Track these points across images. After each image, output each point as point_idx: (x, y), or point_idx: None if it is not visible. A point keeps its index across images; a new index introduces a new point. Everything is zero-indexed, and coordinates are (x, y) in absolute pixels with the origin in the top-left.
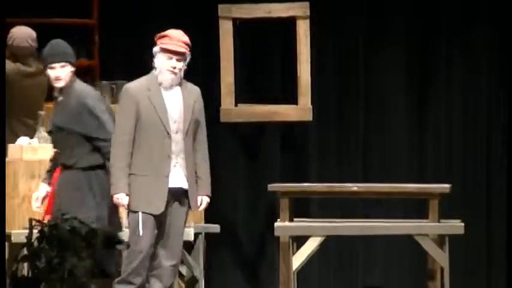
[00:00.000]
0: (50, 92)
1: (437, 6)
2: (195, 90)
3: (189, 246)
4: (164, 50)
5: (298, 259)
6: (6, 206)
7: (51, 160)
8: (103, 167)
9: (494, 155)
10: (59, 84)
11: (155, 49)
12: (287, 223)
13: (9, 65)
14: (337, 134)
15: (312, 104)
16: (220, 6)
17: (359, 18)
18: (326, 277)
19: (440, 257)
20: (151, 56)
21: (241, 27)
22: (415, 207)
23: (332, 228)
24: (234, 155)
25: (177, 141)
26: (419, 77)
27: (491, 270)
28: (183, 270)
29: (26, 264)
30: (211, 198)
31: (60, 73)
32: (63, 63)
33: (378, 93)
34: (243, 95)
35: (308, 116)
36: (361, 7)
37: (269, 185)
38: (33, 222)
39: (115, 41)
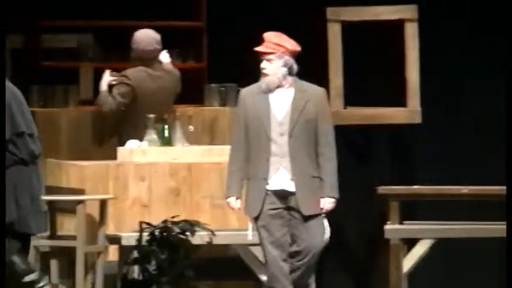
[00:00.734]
0: None
1: None
2: (311, 91)
3: None
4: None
5: (408, 262)
6: (116, 209)
7: None
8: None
9: None
10: None
11: None
12: (397, 226)
13: (137, 69)
14: (445, 136)
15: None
16: (329, 9)
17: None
18: (435, 280)
19: None
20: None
21: (348, 29)
22: None
23: (442, 230)
24: (343, 157)
25: (281, 143)
26: None
27: None
28: None
29: (136, 267)
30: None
31: None
32: None
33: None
34: (351, 98)
35: (417, 119)
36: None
37: (379, 188)
38: (143, 225)
39: (223, 44)
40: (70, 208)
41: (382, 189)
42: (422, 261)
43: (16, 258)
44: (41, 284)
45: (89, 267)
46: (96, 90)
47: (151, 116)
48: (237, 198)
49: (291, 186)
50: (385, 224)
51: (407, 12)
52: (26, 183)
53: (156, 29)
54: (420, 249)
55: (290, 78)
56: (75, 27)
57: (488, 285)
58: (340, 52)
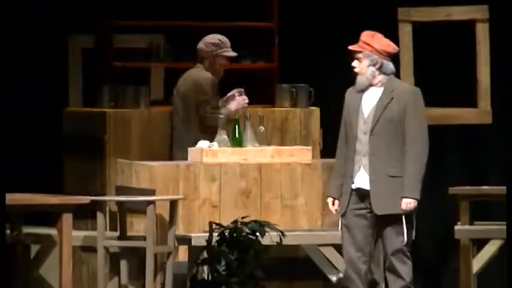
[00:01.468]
0: None
1: None
2: (398, 90)
3: None
4: None
5: (478, 262)
6: (186, 209)
7: None
8: None
9: None
10: None
11: None
12: (467, 226)
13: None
14: None
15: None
16: (400, 10)
17: None
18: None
19: None
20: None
21: (420, 29)
22: None
23: None
24: None
25: (364, 142)
26: None
27: None
28: None
29: (205, 268)
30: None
31: None
32: None
33: None
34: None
35: (488, 119)
36: None
37: (450, 188)
38: (213, 226)
39: (295, 44)
40: (140, 209)
41: (453, 190)
42: (492, 262)
43: None
44: None
45: (159, 268)
46: (167, 90)
47: (222, 116)
48: (335, 200)
49: (368, 185)
50: (456, 224)
51: (478, 12)
52: None
53: (227, 29)
54: (490, 250)
55: (382, 77)
56: (146, 28)
57: None
58: (411, 52)
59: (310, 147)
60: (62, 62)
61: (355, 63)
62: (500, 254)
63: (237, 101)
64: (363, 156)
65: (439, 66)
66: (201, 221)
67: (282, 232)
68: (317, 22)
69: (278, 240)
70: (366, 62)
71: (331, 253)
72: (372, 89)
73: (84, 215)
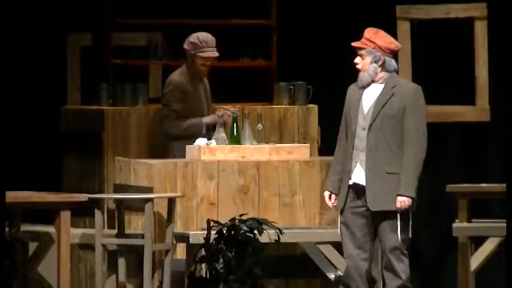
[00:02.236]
0: None
1: None
2: (399, 87)
3: None
4: None
5: (476, 260)
6: (184, 207)
7: None
8: None
9: None
10: None
11: None
12: (465, 224)
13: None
14: None
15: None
16: (399, 7)
17: None
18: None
19: None
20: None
21: (418, 27)
22: None
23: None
24: None
25: (363, 137)
26: None
27: None
28: None
29: (204, 265)
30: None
31: None
32: None
33: None
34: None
35: (486, 117)
36: None
37: (448, 186)
38: (211, 223)
39: (293, 42)
40: (138, 206)
41: (451, 187)
42: (490, 259)
43: None
44: None
45: (157, 266)
46: None
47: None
48: (332, 194)
49: (364, 181)
50: (454, 222)
51: (477, 10)
52: None
53: (226, 27)
54: (488, 247)
55: (384, 74)
56: (145, 26)
57: None
58: (409, 50)
59: (308, 145)
60: (60, 60)
61: (357, 59)
62: (498, 251)
63: (215, 117)
64: (361, 152)
65: (438, 63)
66: (199, 218)
67: (280, 230)
68: (315, 20)
69: (276, 238)
70: (368, 59)
71: (329, 251)
72: (373, 85)
73: (82, 212)
